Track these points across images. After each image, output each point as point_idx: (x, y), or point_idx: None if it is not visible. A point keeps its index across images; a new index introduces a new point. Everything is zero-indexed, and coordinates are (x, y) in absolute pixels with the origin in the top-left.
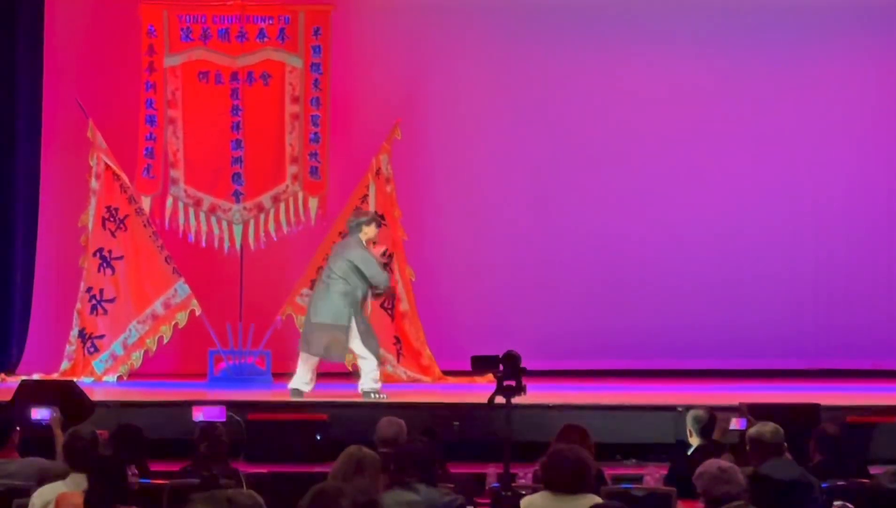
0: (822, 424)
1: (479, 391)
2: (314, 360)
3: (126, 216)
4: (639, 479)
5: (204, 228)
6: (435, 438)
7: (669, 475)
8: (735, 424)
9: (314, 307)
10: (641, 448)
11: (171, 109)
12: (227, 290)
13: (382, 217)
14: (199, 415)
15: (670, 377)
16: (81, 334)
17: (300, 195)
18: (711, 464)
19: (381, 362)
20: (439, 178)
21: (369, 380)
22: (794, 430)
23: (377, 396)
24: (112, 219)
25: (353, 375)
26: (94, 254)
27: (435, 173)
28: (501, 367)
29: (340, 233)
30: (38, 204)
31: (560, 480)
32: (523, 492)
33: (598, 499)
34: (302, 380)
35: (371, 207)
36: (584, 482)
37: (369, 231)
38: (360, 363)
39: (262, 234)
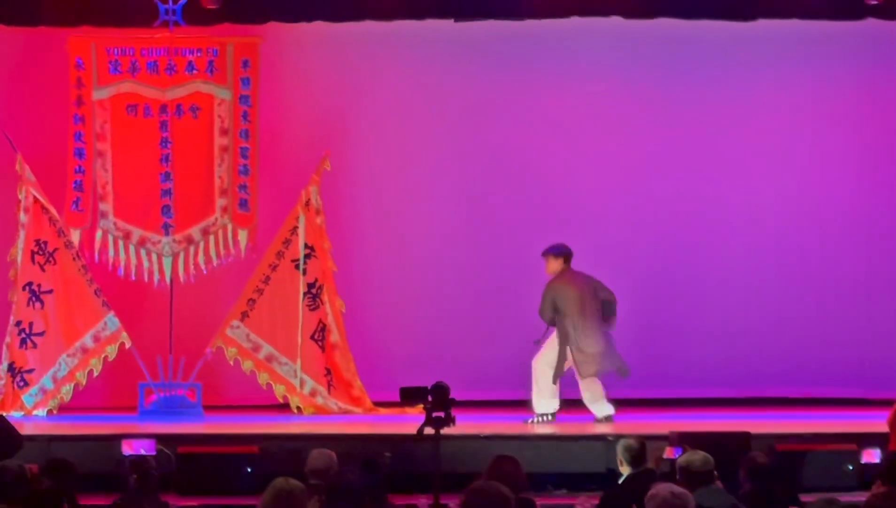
0: (751, 452)
1: (411, 421)
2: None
3: (55, 250)
4: None
5: (133, 260)
6: (375, 470)
7: (601, 504)
8: (669, 453)
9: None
10: (573, 478)
11: (100, 141)
12: (157, 323)
13: (312, 249)
14: (128, 448)
15: None
16: (11, 368)
17: (230, 228)
18: (664, 488)
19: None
20: (369, 209)
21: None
22: (724, 458)
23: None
24: (41, 253)
25: (283, 407)
26: (24, 288)
27: (364, 205)
28: (430, 398)
29: (270, 265)
30: None
31: None
32: None
33: None
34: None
35: (301, 239)
36: None
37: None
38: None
39: (191, 266)
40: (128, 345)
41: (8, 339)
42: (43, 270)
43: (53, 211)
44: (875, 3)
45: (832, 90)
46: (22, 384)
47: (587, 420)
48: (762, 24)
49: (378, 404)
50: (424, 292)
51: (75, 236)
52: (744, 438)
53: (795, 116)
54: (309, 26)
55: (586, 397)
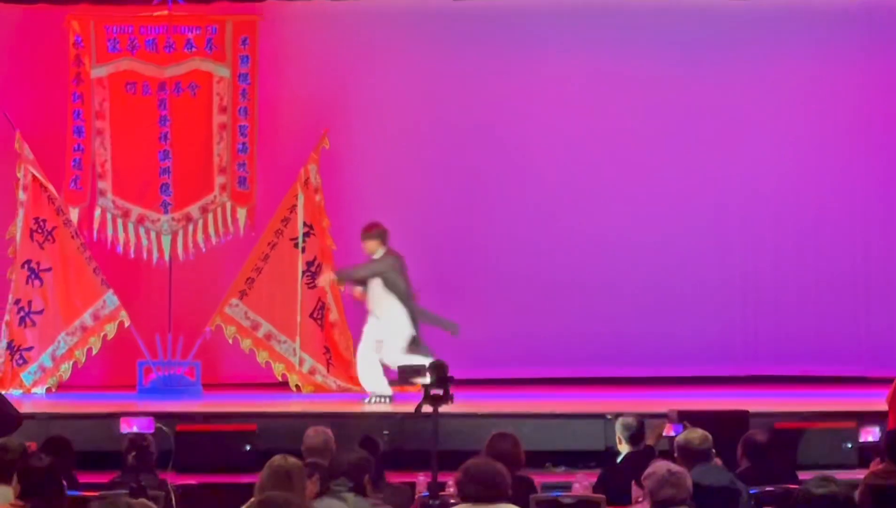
0: (750, 430)
1: (409, 399)
2: None
3: (54, 228)
4: (568, 487)
5: (132, 239)
6: (373, 448)
7: (599, 482)
8: (668, 430)
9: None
10: (571, 456)
11: (99, 120)
12: (155, 301)
13: (311, 227)
14: (127, 427)
15: (599, 384)
16: (10, 346)
17: (228, 206)
18: (661, 466)
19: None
20: (367, 187)
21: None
22: (722, 436)
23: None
24: (40, 231)
25: (282, 385)
26: (23, 266)
27: (363, 183)
28: (428, 376)
29: (269, 243)
30: None
31: (475, 491)
32: (452, 501)
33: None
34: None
35: (300, 217)
36: (499, 491)
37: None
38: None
39: (190, 245)
40: (127, 323)
41: (7, 317)
42: (42, 248)
43: (52, 189)
44: None
45: (829, 69)
46: (21, 362)
47: (586, 398)
48: (759, 1)
49: None
50: (423, 269)
51: (74, 215)
52: (742, 416)
53: (792, 94)
54: (308, 4)
55: (374, 372)
